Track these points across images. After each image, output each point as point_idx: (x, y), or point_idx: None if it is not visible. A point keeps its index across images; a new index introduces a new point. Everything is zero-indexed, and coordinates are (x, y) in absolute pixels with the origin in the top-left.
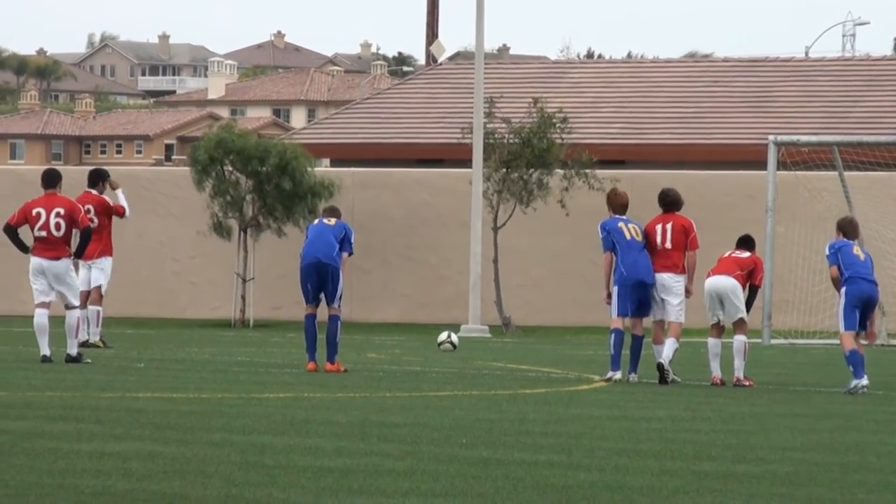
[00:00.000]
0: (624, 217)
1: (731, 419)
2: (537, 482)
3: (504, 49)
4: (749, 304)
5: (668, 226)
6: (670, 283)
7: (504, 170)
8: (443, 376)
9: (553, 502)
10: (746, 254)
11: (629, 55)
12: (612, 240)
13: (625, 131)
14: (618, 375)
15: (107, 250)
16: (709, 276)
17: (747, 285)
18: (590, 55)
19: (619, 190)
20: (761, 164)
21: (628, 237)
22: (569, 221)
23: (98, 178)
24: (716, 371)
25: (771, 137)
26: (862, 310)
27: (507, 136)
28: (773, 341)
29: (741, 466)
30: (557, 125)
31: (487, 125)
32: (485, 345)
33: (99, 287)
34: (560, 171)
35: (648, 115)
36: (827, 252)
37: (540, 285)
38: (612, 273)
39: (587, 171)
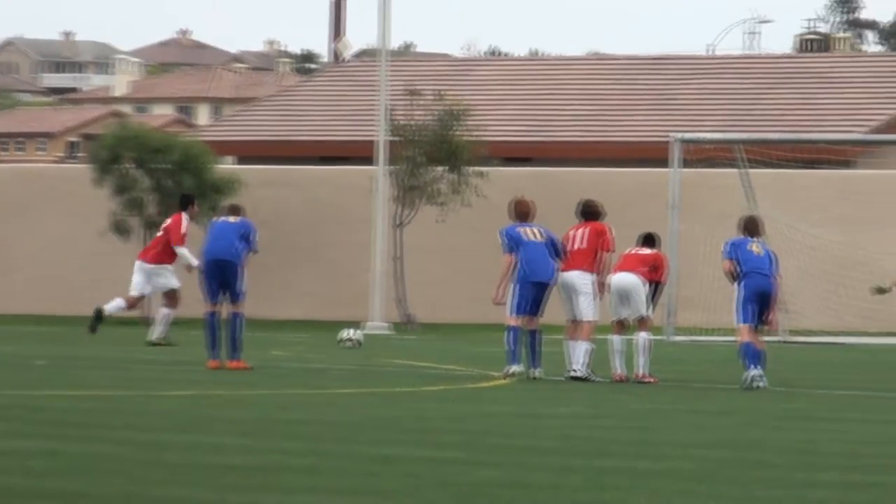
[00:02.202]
0: (526, 223)
1: (634, 416)
2: (439, 479)
3: (409, 46)
4: (653, 301)
5: (585, 230)
6: (578, 282)
7: (410, 167)
8: (346, 373)
9: (455, 499)
10: (649, 251)
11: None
12: (512, 243)
13: (530, 129)
14: (515, 368)
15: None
16: (613, 273)
17: (651, 282)
18: (493, 53)
19: (521, 198)
20: (665, 162)
21: (528, 238)
22: (472, 219)
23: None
24: (618, 368)
25: (674, 135)
26: (759, 304)
27: (415, 132)
28: (676, 338)
29: (643, 463)
30: (460, 118)
31: (400, 120)
32: (387, 342)
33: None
34: (468, 169)
35: (553, 113)
36: (724, 248)
37: (443, 283)
38: (512, 273)
39: (489, 168)
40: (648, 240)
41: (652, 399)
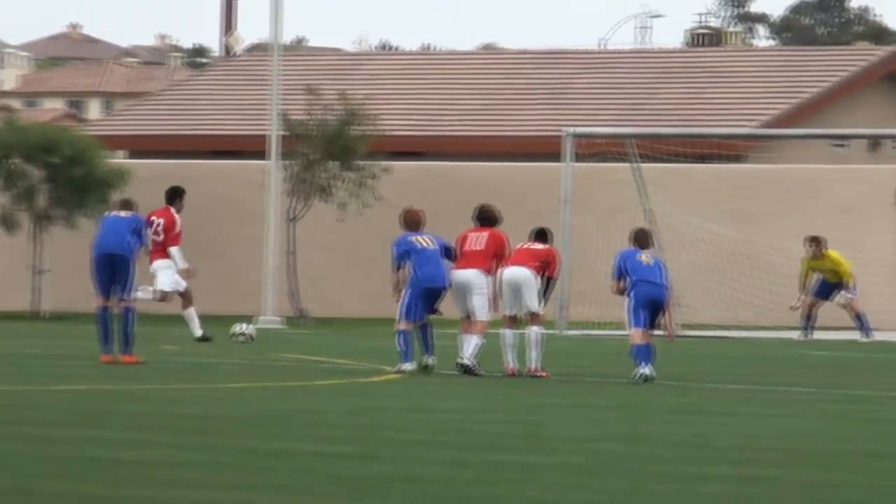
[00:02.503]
0: (417, 232)
1: (526, 410)
2: (332, 474)
3: (301, 41)
4: (546, 295)
5: (484, 234)
6: (474, 281)
7: (304, 162)
8: (238, 368)
9: (347, 494)
10: (541, 246)
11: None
12: (403, 254)
13: (422, 123)
14: (408, 366)
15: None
16: (504, 267)
17: (543, 277)
18: (385, 47)
19: (411, 208)
20: (557, 156)
21: (421, 246)
22: (365, 214)
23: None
24: (510, 362)
25: (566, 129)
26: (650, 310)
27: (294, 130)
28: (569, 332)
29: (536, 457)
30: (360, 119)
31: (297, 117)
32: (280, 336)
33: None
34: (360, 164)
35: (445, 108)
36: (614, 262)
37: (335, 277)
38: (406, 280)
39: (385, 163)
40: (541, 235)
41: (544, 393)
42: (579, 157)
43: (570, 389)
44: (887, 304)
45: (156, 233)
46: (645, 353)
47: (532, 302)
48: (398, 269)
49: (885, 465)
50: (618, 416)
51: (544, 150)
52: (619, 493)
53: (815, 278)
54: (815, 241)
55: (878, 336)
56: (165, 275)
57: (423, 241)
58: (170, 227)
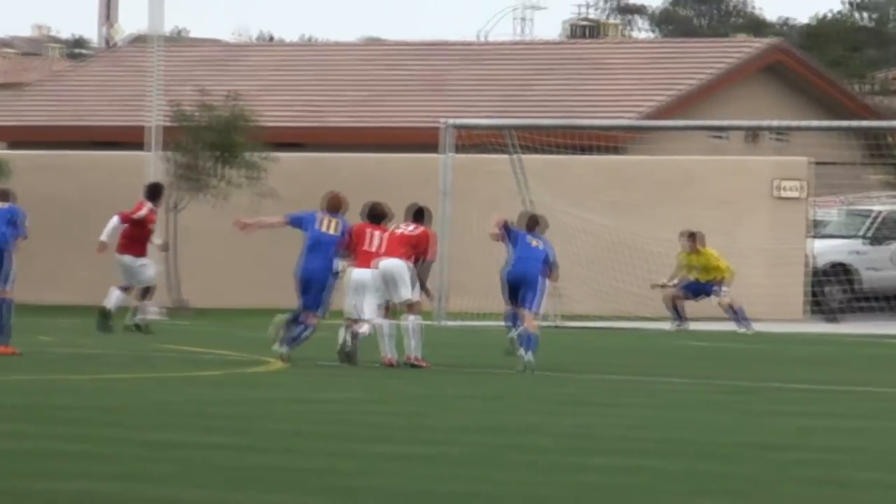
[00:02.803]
0: (339, 215)
1: (408, 401)
2: (211, 464)
3: (181, 32)
4: (422, 280)
5: (382, 234)
6: (397, 270)
7: (186, 154)
8: (117, 359)
9: (226, 484)
10: (414, 227)
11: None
12: (303, 222)
13: (303, 114)
14: (284, 349)
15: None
16: (378, 257)
17: (417, 262)
18: (266, 38)
19: (335, 192)
20: (436, 147)
21: (320, 228)
22: (246, 204)
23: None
24: (388, 352)
25: (446, 121)
26: (517, 288)
27: (181, 122)
28: (449, 323)
29: (417, 448)
30: (245, 112)
31: (185, 110)
32: (160, 327)
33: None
34: (245, 155)
35: (326, 99)
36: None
37: (216, 268)
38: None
39: (270, 154)
40: (418, 215)
41: (425, 384)
42: (459, 149)
43: (451, 380)
44: (764, 295)
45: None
46: (528, 338)
47: (405, 291)
48: (285, 223)
49: (761, 456)
50: (499, 407)
51: (424, 141)
52: (499, 483)
53: (682, 274)
54: (692, 237)
55: (757, 327)
56: (150, 268)
57: (327, 223)
58: (133, 212)
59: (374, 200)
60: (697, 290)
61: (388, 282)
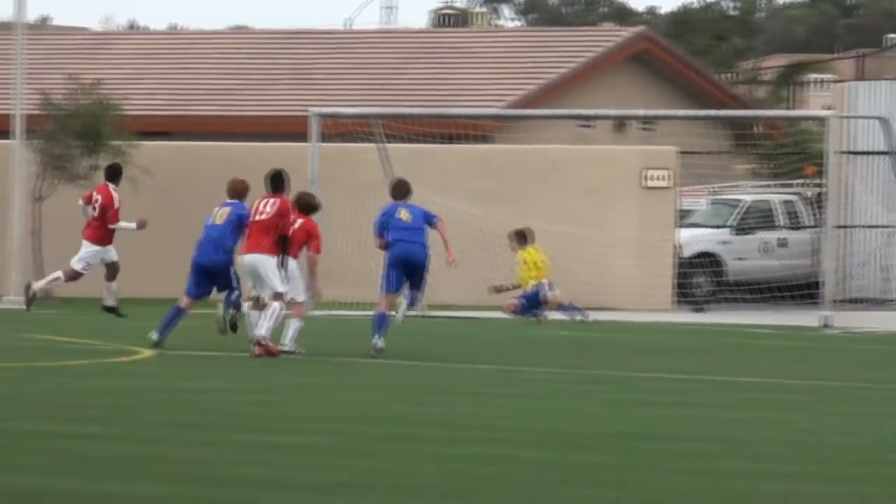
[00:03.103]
0: (233, 202)
1: (275, 390)
2: (78, 454)
3: (45, 20)
4: (284, 258)
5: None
6: (260, 264)
7: (51, 142)
8: None
9: (94, 474)
10: (273, 203)
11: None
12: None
13: (170, 103)
14: (155, 336)
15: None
16: (242, 251)
17: (279, 237)
18: (132, 27)
19: (236, 179)
20: (305, 136)
21: (212, 221)
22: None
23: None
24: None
25: (313, 110)
26: (405, 271)
27: (49, 110)
28: (315, 312)
29: (284, 437)
30: (109, 108)
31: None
32: (25, 316)
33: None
34: (112, 144)
35: (193, 87)
36: (375, 221)
37: None
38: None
39: (131, 142)
40: (276, 181)
41: (294, 373)
42: (326, 137)
43: (317, 369)
44: (633, 285)
45: (94, 209)
46: (383, 323)
47: (275, 283)
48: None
49: (628, 446)
50: (367, 397)
51: (292, 129)
52: (366, 473)
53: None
54: (521, 236)
55: (625, 317)
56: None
57: (217, 213)
58: (108, 205)
59: (303, 191)
60: (531, 306)
61: (254, 277)
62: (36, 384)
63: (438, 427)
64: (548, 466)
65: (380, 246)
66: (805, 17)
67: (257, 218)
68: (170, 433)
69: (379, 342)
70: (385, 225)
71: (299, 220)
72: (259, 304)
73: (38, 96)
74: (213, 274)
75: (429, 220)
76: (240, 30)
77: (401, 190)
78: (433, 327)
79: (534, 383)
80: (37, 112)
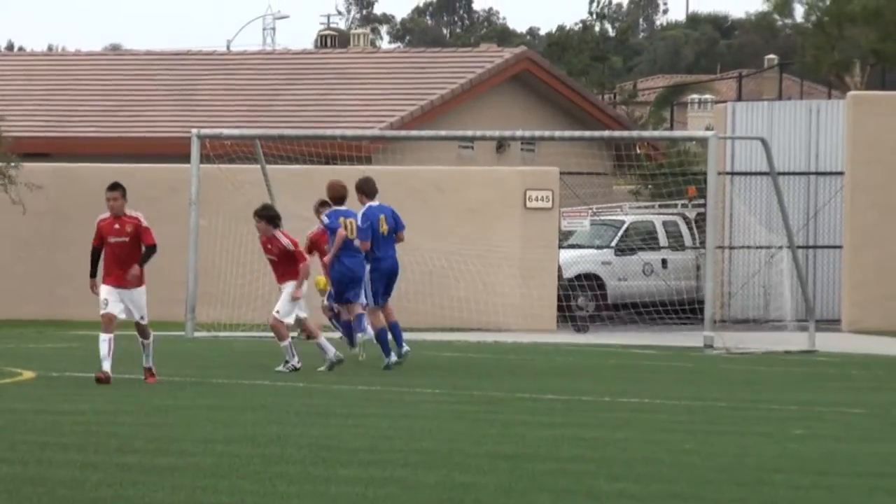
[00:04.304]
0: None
1: (155, 412)
2: None
3: None
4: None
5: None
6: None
7: None
8: None
9: None
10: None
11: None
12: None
13: (49, 124)
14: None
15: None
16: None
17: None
18: (10, 47)
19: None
20: (186, 157)
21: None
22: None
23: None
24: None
25: (194, 131)
26: (386, 284)
27: None
28: (197, 334)
29: (164, 459)
30: None
31: None
32: None
33: None
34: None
35: (72, 108)
36: (360, 223)
37: None
38: None
39: (12, 164)
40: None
41: (174, 395)
42: (208, 159)
43: (199, 391)
44: (516, 306)
45: None
46: (384, 338)
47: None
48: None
49: (512, 466)
50: (247, 418)
51: (173, 150)
52: (247, 494)
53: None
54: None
55: (508, 338)
56: None
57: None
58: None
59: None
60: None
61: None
62: None
63: (320, 448)
64: (427, 488)
65: (366, 249)
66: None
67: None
68: (50, 454)
69: (392, 359)
70: (371, 233)
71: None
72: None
73: None
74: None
75: (398, 228)
76: (118, 50)
77: (372, 188)
78: (308, 348)
79: (415, 403)
80: None
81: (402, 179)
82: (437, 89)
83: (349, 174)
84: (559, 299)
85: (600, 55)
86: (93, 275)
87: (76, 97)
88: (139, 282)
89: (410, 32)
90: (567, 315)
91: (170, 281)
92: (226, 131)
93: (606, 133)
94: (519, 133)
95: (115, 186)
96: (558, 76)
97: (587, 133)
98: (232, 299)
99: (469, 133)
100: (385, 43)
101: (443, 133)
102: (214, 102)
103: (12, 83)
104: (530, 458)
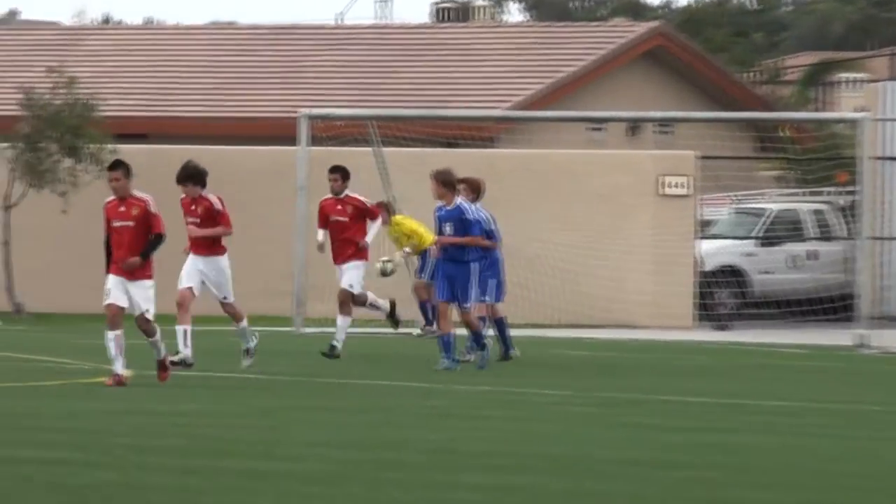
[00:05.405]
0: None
1: (259, 413)
2: (50, 481)
3: (13, 14)
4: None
5: None
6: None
7: (22, 146)
8: None
9: (66, 503)
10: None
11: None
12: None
13: (145, 103)
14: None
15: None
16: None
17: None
18: (106, 21)
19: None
20: (293, 140)
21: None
22: (87, 202)
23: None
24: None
25: (302, 111)
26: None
27: (30, 109)
28: (305, 330)
29: (269, 464)
30: (86, 104)
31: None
32: None
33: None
34: (87, 147)
35: (171, 86)
36: (472, 215)
37: (55, 269)
38: None
39: (107, 146)
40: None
41: (279, 396)
42: (317, 141)
43: (306, 391)
44: (649, 301)
45: None
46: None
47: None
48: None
49: (646, 474)
50: (359, 421)
51: (279, 132)
52: (360, 501)
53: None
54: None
55: (642, 335)
56: None
57: None
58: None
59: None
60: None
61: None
62: (6, 406)
63: (438, 453)
64: (559, 496)
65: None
66: (837, 13)
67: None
68: (147, 458)
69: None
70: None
71: None
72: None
73: (8, 96)
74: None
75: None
76: (221, 25)
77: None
78: (427, 347)
79: (544, 406)
80: (7, 113)
81: (527, 164)
82: (565, 66)
83: (470, 158)
84: (697, 294)
85: (741, 30)
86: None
87: (175, 74)
88: (143, 273)
89: (536, 7)
90: (706, 311)
91: (275, 273)
92: (337, 111)
93: (749, 114)
94: (653, 114)
95: (115, 165)
96: (695, 52)
97: (728, 114)
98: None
99: (599, 114)
100: (512, 15)
101: (571, 114)
102: (324, 80)
103: (108, 59)
104: (665, 465)
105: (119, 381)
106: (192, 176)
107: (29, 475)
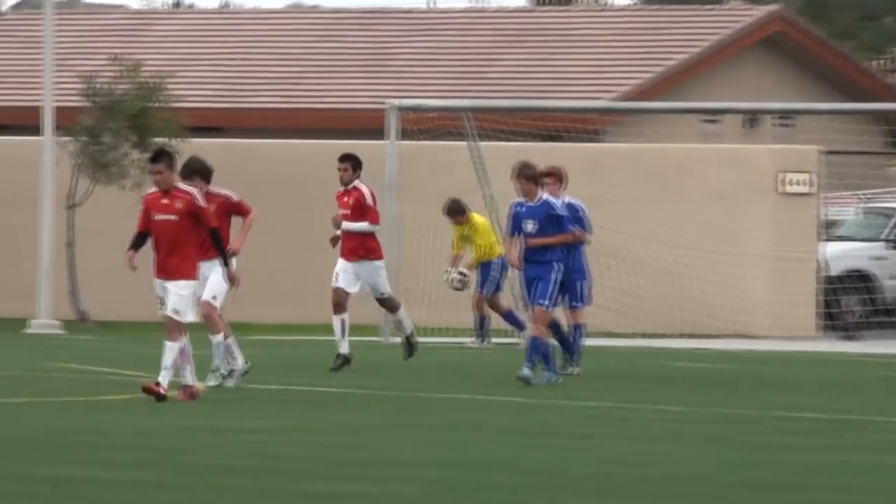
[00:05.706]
0: None
1: (343, 431)
2: (118, 503)
3: None
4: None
5: None
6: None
7: (86, 139)
8: (9, 380)
9: None
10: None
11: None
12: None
13: (222, 94)
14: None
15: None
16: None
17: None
18: (178, 4)
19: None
20: (380, 132)
21: None
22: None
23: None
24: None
25: (391, 102)
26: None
27: (92, 98)
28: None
29: (355, 486)
30: (157, 92)
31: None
32: (58, 342)
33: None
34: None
35: (248, 76)
36: (561, 209)
37: (123, 273)
38: None
39: (186, 140)
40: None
41: (366, 411)
42: (406, 134)
43: (398, 407)
44: (768, 308)
45: None
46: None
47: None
48: None
49: (769, 497)
50: (455, 438)
51: (364, 125)
52: None
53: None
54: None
55: (761, 345)
56: None
57: None
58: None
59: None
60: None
61: None
62: (71, 422)
63: (541, 474)
64: None
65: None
66: None
67: None
68: (222, 479)
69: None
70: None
71: None
72: None
73: (71, 85)
74: None
75: None
76: (302, 8)
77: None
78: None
79: (656, 423)
80: (69, 104)
81: (635, 160)
82: (675, 54)
83: (572, 153)
84: (822, 300)
85: (870, 13)
86: (133, 246)
87: (253, 63)
88: (186, 272)
89: None
90: (832, 319)
91: None
92: (428, 102)
93: (878, 105)
94: (773, 105)
95: (158, 156)
96: (818, 38)
97: (855, 105)
98: (435, 298)
99: (714, 105)
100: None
101: (683, 105)
102: (414, 69)
103: (180, 46)
104: (790, 488)
105: (191, 394)
106: (197, 171)
107: (95, 497)
